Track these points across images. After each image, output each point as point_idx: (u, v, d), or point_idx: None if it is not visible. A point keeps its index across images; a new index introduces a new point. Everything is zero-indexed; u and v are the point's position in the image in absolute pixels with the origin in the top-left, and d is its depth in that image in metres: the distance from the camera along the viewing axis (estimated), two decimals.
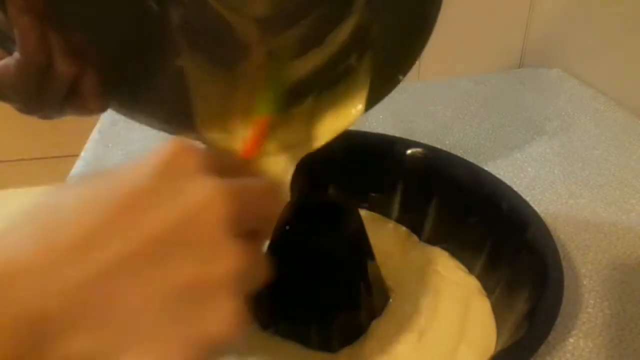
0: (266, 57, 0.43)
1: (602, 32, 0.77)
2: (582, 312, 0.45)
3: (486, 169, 0.49)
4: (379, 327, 0.42)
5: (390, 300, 0.44)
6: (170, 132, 0.43)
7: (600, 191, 0.59)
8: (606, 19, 0.76)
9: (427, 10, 0.39)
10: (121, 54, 0.39)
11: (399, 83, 0.42)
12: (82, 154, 0.67)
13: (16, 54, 0.32)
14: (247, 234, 0.25)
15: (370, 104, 0.42)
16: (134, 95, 0.41)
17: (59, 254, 0.20)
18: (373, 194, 0.53)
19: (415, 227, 0.52)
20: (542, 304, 0.37)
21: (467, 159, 0.50)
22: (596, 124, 0.71)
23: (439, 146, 0.52)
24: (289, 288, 0.42)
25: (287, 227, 0.41)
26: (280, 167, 0.43)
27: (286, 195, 0.42)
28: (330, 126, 0.43)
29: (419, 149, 0.52)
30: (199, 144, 0.43)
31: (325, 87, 0.43)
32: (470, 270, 0.47)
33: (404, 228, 0.52)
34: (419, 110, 0.75)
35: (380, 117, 0.70)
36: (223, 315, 0.23)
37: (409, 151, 0.52)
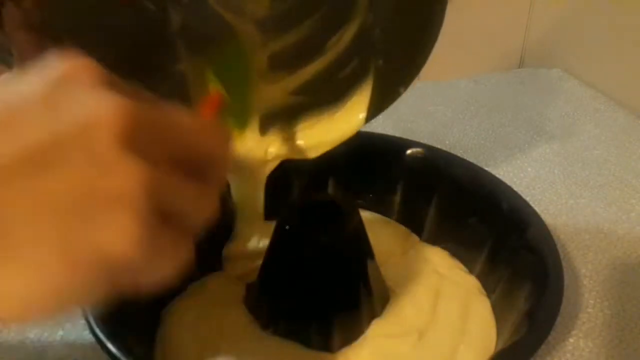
0: (267, 62, 0.43)
1: (602, 32, 0.77)
2: (582, 312, 0.45)
3: (486, 169, 0.50)
4: (379, 326, 0.42)
5: (390, 299, 0.44)
6: None
7: (600, 191, 0.59)
8: (606, 19, 0.77)
9: (430, 20, 0.38)
10: (120, 65, 0.38)
11: (400, 95, 0.42)
12: None
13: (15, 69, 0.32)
14: (192, 173, 0.24)
15: (371, 115, 0.42)
16: None
17: None
18: (373, 194, 0.54)
19: (416, 227, 0.52)
20: (542, 304, 0.38)
21: (467, 159, 0.51)
22: (596, 124, 0.71)
23: (439, 146, 0.52)
24: (289, 287, 0.42)
25: (287, 227, 0.41)
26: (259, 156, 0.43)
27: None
28: (329, 136, 0.43)
29: (419, 149, 0.52)
30: None
31: (326, 96, 0.43)
32: (471, 270, 0.47)
33: (404, 228, 0.52)
34: (419, 110, 0.75)
35: (381, 117, 0.70)
36: (117, 229, 0.21)
37: (409, 151, 0.52)
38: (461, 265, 0.48)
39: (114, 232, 0.21)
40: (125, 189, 0.21)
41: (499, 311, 0.43)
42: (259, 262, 0.44)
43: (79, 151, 0.21)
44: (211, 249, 0.48)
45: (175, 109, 0.24)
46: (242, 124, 0.39)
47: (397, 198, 0.52)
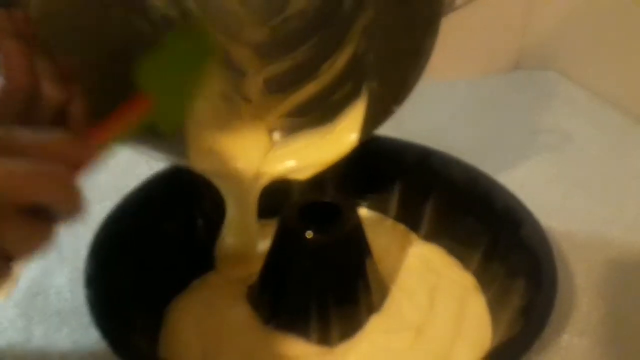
0: (263, 85, 0.43)
1: (598, 35, 0.78)
2: (576, 310, 0.45)
3: (482, 169, 0.50)
4: (376, 322, 0.43)
5: (388, 296, 0.45)
6: (161, 157, 0.42)
7: (594, 192, 0.59)
8: (602, 22, 0.77)
9: (421, 44, 0.39)
10: (112, 78, 0.36)
11: (393, 113, 0.42)
12: None
13: (0, 79, 0.31)
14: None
15: (364, 134, 0.43)
16: None
17: None
18: (372, 194, 0.54)
19: (413, 226, 0.52)
20: (536, 302, 0.38)
21: (464, 160, 0.51)
22: (591, 125, 0.71)
23: (436, 147, 0.53)
24: (290, 284, 0.42)
25: (287, 227, 0.42)
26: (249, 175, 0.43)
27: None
28: (322, 156, 0.44)
29: (416, 150, 0.52)
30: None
31: (319, 117, 0.44)
32: (467, 267, 0.48)
33: (401, 226, 0.53)
34: (416, 112, 0.75)
35: None
36: None
37: (406, 152, 0.52)
38: (457, 263, 0.49)
39: None
40: None
41: (494, 308, 0.44)
42: (255, 263, 0.45)
43: None
44: (213, 247, 0.49)
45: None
46: (171, 126, 0.37)
47: (395, 197, 0.53)
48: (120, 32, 0.37)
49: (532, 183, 0.59)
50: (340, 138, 0.43)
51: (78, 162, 0.27)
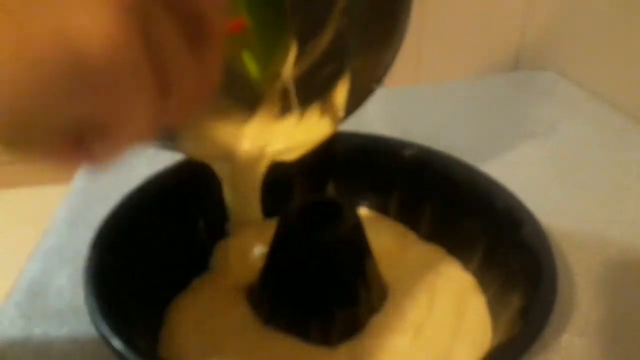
0: None
1: (597, 35, 0.78)
2: (576, 310, 0.45)
3: (481, 169, 0.50)
4: (377, 322, 0.43)
5: (388, 296, 0.45)
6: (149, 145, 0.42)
7: (594, 192, 0.60)
8: (601, 22, 0.77)
9: (395, 22, 0.40)
10: None
11: (373, 91, 0.43)
12: None
13: None
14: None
15: (349, 111, 0.43)
16: None
17: None
18: (371, 193, 0.54)
19: (413, 225, 0.52)
20: (536, 302, 0.38)
21: (463, 160, 0.51)
22: (590, 125, 0.72)
23: (435, 147, 0.53)
24: (290, 284, 0.42)
25: (287, 227, 0.42)
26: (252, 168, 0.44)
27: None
28: (311, 135, 0.44)
29: (416, 150, 0.52)
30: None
31: (306, 97, 0.44)
32: (467, 267, 0.48)
33: (401, 226, 0.53)
34: (416, 112, 0.76)
35: (379, 118, 0.71)
36: (90, 12, 0.16)
37: (406, 151, 0.53)
38: (457, 263, 0.49)
39: (86, 14, 0.16)
40: None
41: (494, 308, 0.44)
42: (251, 265, 0.45)
43: None
44: (213, 247, 0.49)
45: None
46: (261, 67, 0.38)
47: (395, 197, 0.53)
48: None
49: (532, 183, 0.60)
50: (326, 117, 0.44)
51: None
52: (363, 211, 0.54)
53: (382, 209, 0.54)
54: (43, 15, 0.15)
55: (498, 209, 0.46)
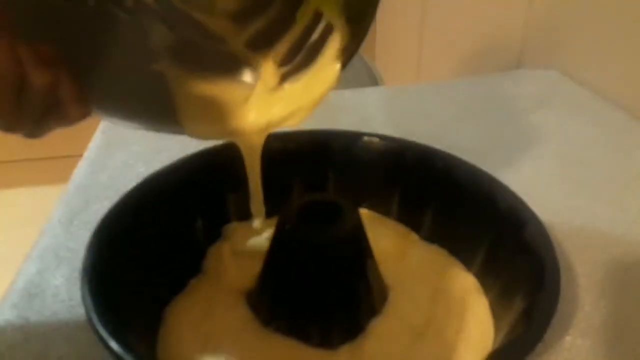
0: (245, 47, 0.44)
1: (600, 33, 0.78)
2: (579, 311, 0.45)
3: (484, 169, 0.50)
4: (378, 324, 0.42)
5: (389, 297, 0.45)
6: (155, 130, 0.43)
7: (597, 191, 0.59)
8: (603, 20, 0.77)
9: None
10: (93, 60, 0.39)
11: (364, 40, 0.43)
12: (86, 154, 0.67)
13: None
14: None
15: (345, 61, 0.43)
16: (113, 98, 0.41)
17: None
18: (372, 193, 0.54)
19: (414, 226, 0.52)
20: (539, 303, 0.38)
21: (465, 159, 0.51)
22: (593, 124, 0.71)
23: (437, 146, 0.52)
24: (290, 286, 0.42)
25: (287, 227, 0.42)
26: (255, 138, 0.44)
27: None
28: (312, 94, 0.44)
29: (417, 149, 0.52)
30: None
31: (303, 60, 0.44)
32: (468, 268, 0.48)
33: (403, 227, 0.52)
34: (418, 111, 0.76)
35: (380, 118, 0.71)
36: None
37: (408, 151, 0.52)
38: (459, 264, 0.48)
39: None
40: None
41: (496, 309, 0.44)
42: (245, 268, 0.45)
43: None
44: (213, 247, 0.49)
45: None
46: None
47: (396, 197, 0.53)
48: (96, 19, 0.39)
49: (535, 183, 0.59)
50: (324, 71, 0.44)
51: None
52: (363, 211, 0.53)
53: (383, 209, 0.54)
54: None
55: (501, 209, 0.46)
